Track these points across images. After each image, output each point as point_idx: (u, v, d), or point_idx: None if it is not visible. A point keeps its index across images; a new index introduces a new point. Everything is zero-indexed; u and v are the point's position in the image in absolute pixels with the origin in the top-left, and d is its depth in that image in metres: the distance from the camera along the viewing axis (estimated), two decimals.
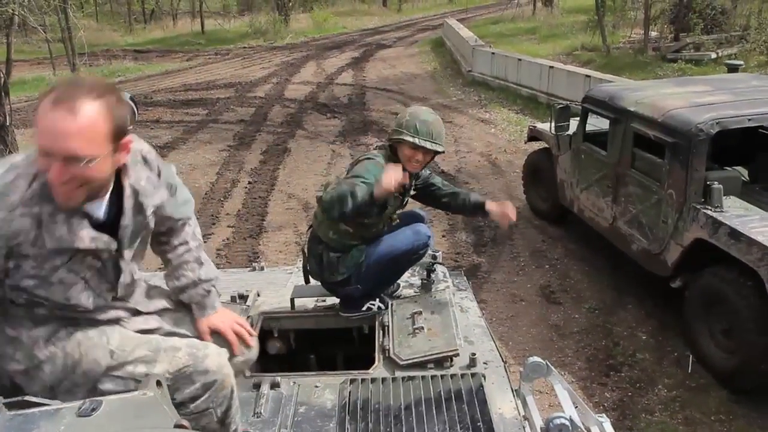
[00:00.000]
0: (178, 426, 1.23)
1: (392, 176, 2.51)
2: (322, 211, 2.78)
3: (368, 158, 2.83)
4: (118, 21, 34.20)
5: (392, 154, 2.87)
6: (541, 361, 2.54)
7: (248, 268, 3.76)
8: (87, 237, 1.65)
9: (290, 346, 2.96)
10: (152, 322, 1.92)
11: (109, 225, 1.72)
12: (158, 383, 1.25)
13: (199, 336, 1.96)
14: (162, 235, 2.03)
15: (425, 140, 2.81)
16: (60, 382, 1.70)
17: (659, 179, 5.00)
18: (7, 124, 10.07)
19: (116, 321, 1.84)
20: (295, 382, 2.24)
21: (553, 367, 2.57)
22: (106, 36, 29.15)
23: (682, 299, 4.84)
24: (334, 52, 22.90)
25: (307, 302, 2.99)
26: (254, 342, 2.07)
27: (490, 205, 3.16)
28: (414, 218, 3.08)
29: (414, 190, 3.13)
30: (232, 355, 1.97)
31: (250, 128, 12.44)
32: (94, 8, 34.64)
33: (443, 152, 2.95)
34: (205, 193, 8.94)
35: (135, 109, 3.82)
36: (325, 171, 9.63)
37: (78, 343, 1.74)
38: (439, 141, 2.87)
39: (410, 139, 2.80)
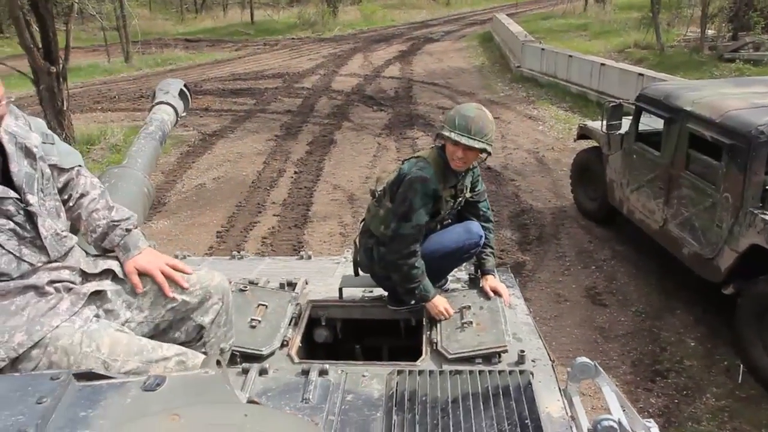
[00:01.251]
0: (251, 402, 1.26)
1: (440, 311, 2.68)
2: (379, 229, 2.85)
3: (417, 179, 2.68)
4: (170, 10, 34.91)
5: (442, 151, 2.81)
6: (590, 362, 2.50)
7: (296, 257, 3.80)
8: None
9: (336, 335, 2.99)
10: (106, 284, 1.85)
11: (0, 177, 1.70)
12: (218, 363, 1.28)
13: (126, 278, 1.88)
14: (63, 194, 1.96)
15: (460, 134, 2.65)
16: None
17: (715, 182, 4.86)
18: (65, 108, 10.42)
19: (67, 288, 1.77)
20: (342, 371, 2.25)
21: (601, 369, 2.53)
22: (158, 25, 29.80)
23: (734, 307, 4.71)
24: (381, 45, 22.92)
25: (355, 292, 3.01)
26: (188, 284, 1.94)
27: (485, 282, 2.87)
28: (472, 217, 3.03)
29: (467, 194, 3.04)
30: (167, 298, 1.90)
31: (297, 119, 12.56)
32: None
33: (487, 151, 2.72)
34: (252, 182, 9.07)
35: (189, 97, 3.89)
36: (370, 163, 9.66)
37: (65, 352, 1.66)
38: (478, 137, 2.66)
39: (446, 134, 2.67)
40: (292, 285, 3.00)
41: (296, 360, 2.37)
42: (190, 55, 22.48)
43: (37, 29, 10.05)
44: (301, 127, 11.98)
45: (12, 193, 1.68)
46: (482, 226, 2.93)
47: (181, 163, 10.02)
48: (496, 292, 2.78)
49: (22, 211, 1.70)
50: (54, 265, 1.77)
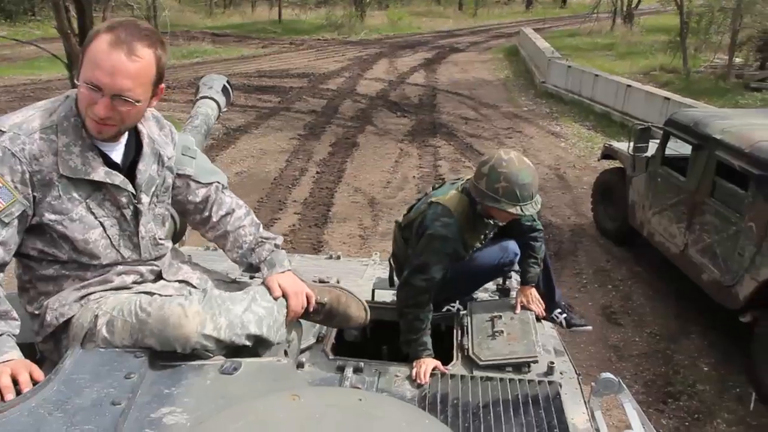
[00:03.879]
0: None
1: (420, 372, 2.36)
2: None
3: (437, 237, 2.57)
4: (199, 3, 35.21)
5: (471, 199, 2.66)
6: (614, 378, 2.56)
7: (325, 256, 3.89)
8: (101, 171, 1.71)
9: (366, 336, 3.06)
10: (170, 290, 1.87)
11: (125, 171, 1.79)
12: (285, 353, 1.36)
13: (270, 291, 1.87)
14: (203, 209, 2.02)
15: (524, 206, 2.57)
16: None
17: (740, 210, 4.90)
18: None
19: (128, 286, 1.82)
20: (377, 370, 2.33)
21: (624, 386, 2.59)
22: (186, 17, 30.07)
23: (750, 335, 4.74)
24: (407, 52, 23.03)
25: (387, 295, 3.09)
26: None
27: (521, 294, 2.81)
28: (515, 230, 2.94)
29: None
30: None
31: (321, 119, 12.68)
32: None
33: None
34: (274, 179, 9.19)
35: (231, 93, 3.98)
36: (392, 168, 9.75)
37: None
38: (536, 201, 2.63)
39: (513, 210, 2.55)
40: (324, 283, 3.07)
41: (331, 356, 2.45)
42: (216, 49, 22.70)
43: (74, 15, 10.22)
44: (324, 128, 12.09)
45: (130, 187, 1.78)
46: (529, 237, 2.90)
47: None
48: (526, 308, 2.74)
49: (131, 206, 1.80)
50: (140, 266, 1.86)
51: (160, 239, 1.91)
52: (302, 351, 2.48)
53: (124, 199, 1.78)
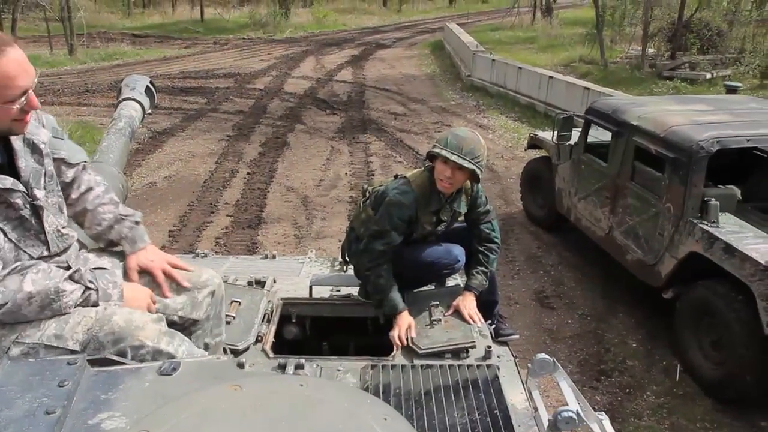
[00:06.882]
0: None
1: (400, 330, 2.57)
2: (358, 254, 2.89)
3: (394, 203, 2.74)
4: (116, 4, 34.02)
5: (430, 175, 2.80)
6: (549, 358, 2.65)
7: (260, 256, 3.85)
8: None
9: (305, 333, 3.05)
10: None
11: (8, 171, 1.76)
12: (224, 350, 1.35)
13: (127, 273, 1.95)
14: (69, 189, 2.03)
15: (451, 152, 2.64)
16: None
17: (658, 193, 5.15)
18: None
19: None
20: (318, 365, 2.33)
21: (559, 365, 2.69)
22: (103, 18, 29.05)
23: (673, 310, 5.00)
24: (333, 49, 22.98)
25: (324, 291, 3.09)
26: (188, 283, 2.02)
27: (459, 299, 2.80)
28: (459, 237, 3.00)
29: (458, 220, 3.03)
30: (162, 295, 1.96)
31: (249, 120, 12.50)
32: None
33: (476, 174, 2.72)
34: (204, 182, 9.00)
35: (154, 94, 3.88)
36: (323, 166, 9.72)
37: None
38: (469, 157, 2.65)
39: (437, 151, 2.67)
40: (260, 283, 3.05)
41: (271, 355, 2.43)
42: (137, 50, 21.98)
43: None
44: (253, 128, 11.93)
45: (21, 187, 1.74)
46: (485, 246, 2.95)
47: (130, 161, 9.81)
48: (459, 311, 2.72)
49: (28, 205, 1.76)
50: (50, 261, 1.81)
51: (63, 228, 1.88)
52: (241, 351, 2.45)
53: (19, 201, 1.74)
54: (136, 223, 2.07)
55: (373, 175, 9.19)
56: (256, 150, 10.54)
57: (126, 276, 1.95)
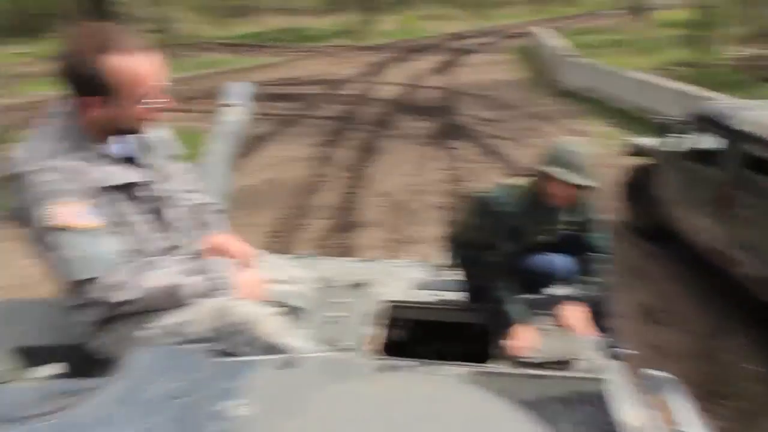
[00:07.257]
0: None
1: (518, 343, 2.51)
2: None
3: (508, 203, 2.71)
4: (210, 14, 35.53)
5: (539, 184, 2.74)
6: (669, 375, 2.54)
7: (359, 259, 3.92)
8: (129, 174, 1.83)
9: (409, 336, 3.08)
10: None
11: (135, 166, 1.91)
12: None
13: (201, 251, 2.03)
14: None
15: (571, 173, 2.57)
16: None
17: None
18: None
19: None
20: (426, 368, 2.33)
21: (679, 383, 2.57)
22: (200, 29, 30.35)
23: None
24: (419, 55, 23.09)
25: (428, 295, 3.10)
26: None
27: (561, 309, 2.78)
28: (568, 246, 2.92)
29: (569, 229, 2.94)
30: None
31: (341, 125, 12.72)
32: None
33: (592, 188, 2.66)
34: (299, 185, 9.22)
35: (253, 100, 4.01)
36: (415, 171, 9.75)
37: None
38: (588, 173, 2.59)
39: (557, 176, 2.59)
40: (364, 285, 3.09)
41: (382, 356, 2.46)
42: (231, 59, 22.87)
43: None
44: (344, 133, 12.13)
45: (149, 180, 1.91)
46: (591, 257, 2.90)
47: (232, 165, 10.20)
48: (567, 322, 2.66)
49: (155, 200, 1.91)
50: (175, 252, 1.95)
51: (182, 222, 2.06)
52: (350, 351, 2.49)
53: (146, 194, 1.94)
54: (220, 211, 2.24)
55: (464, 181, 9.14)
56: (348, 155, 10.71)
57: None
